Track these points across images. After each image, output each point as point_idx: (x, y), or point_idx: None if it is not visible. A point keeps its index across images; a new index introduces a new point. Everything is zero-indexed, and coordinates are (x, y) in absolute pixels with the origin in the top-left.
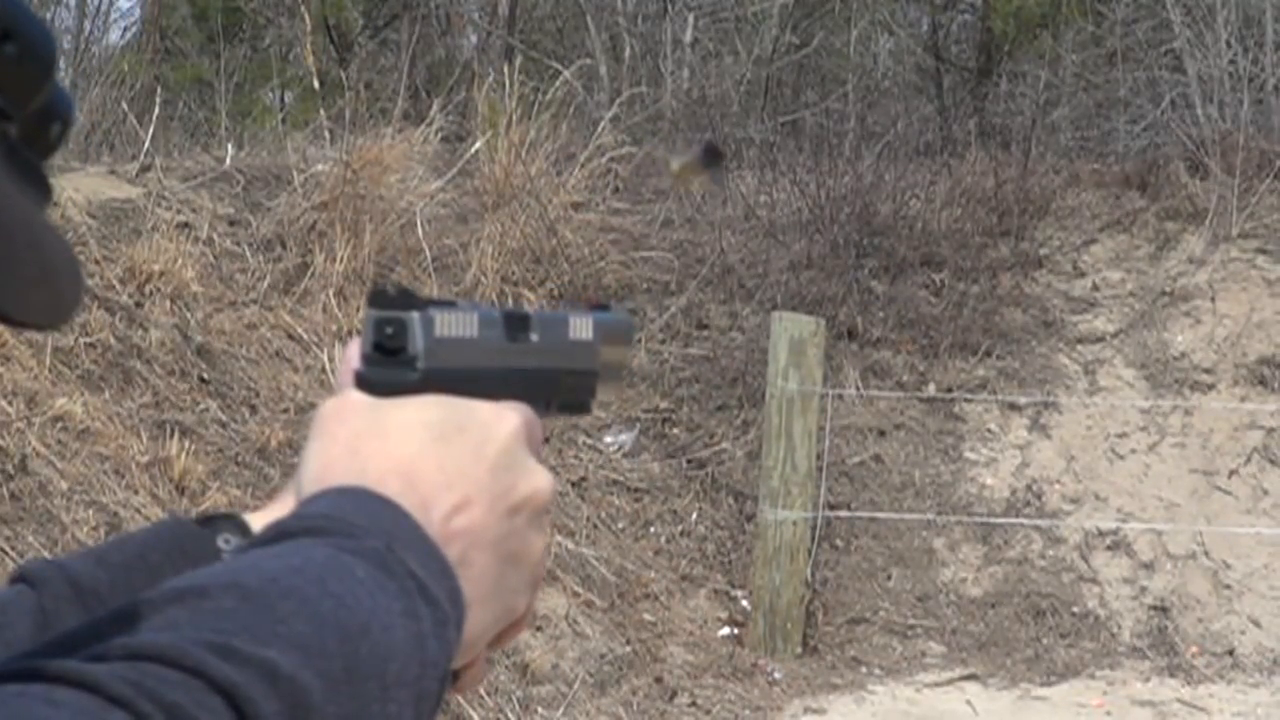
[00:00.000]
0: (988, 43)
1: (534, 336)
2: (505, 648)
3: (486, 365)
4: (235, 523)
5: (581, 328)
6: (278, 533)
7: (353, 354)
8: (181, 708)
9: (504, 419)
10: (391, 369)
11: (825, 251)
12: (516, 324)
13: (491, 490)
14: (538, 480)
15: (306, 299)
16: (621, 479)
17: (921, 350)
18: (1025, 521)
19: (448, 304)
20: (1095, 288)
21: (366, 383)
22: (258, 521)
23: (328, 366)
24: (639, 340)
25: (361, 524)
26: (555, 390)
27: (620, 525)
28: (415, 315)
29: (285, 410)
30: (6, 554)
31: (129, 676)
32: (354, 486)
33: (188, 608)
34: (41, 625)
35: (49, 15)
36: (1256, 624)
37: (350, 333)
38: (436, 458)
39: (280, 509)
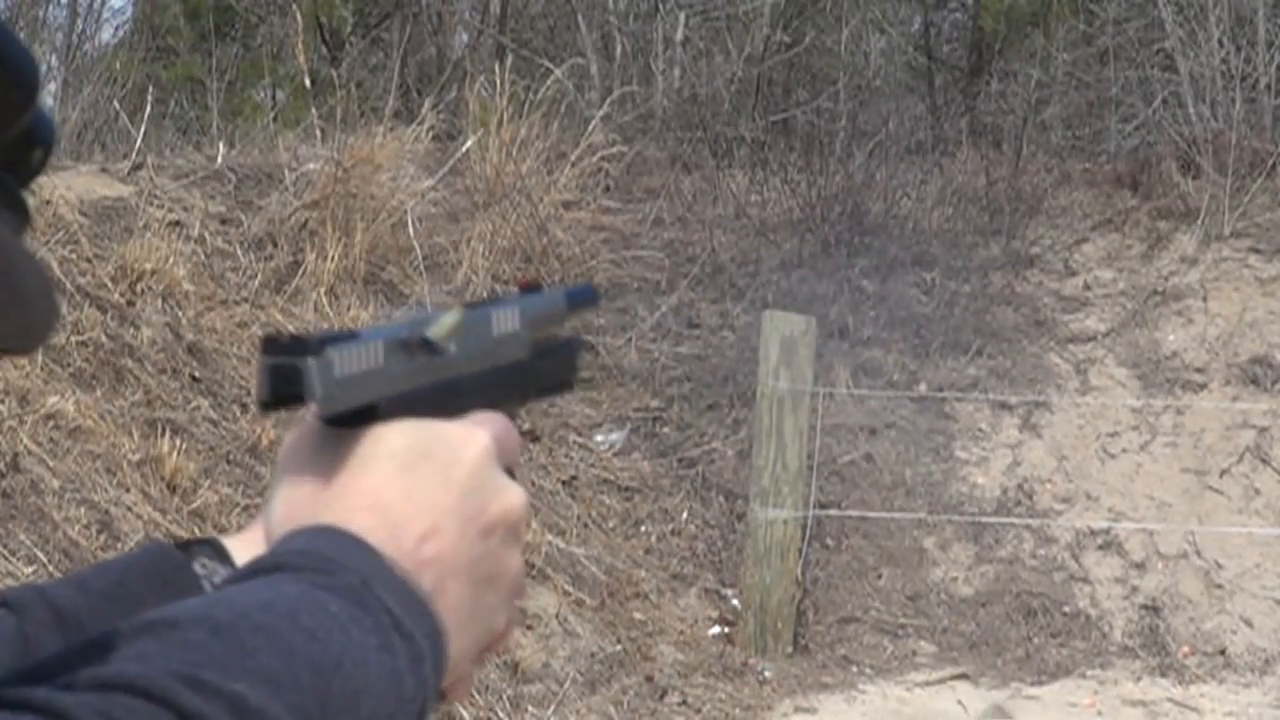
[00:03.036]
0: (979, 41)
1: (451, 347)
2: (489, 659)
3: (404, 389)
4: (212, 547)
5: (506, 320)
6: (253, 569)
7: None
8: None
9: (471, 440)
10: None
11: (816, 250)
12: (423, 343)
13: (461, 515)
14: (509, 499)
15: (298, 297)
16: (612, 478)
17: (912, 349)
18: (1016, 521)
19: (348, 337)
20: (1087, 287)
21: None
22: (236, 545)
23: None
24: (630, 339)
25: (337, 560)
26: (512, 388)
27: (611, 524)
28: (310, 361)
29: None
30: None
31: (97, 706)
32: (327, 526)
33: (159, 639)
34: (23, 651)
35: (41, 13)
36: (1248, 624)
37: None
38: (403, 487)
39: (255, 533)
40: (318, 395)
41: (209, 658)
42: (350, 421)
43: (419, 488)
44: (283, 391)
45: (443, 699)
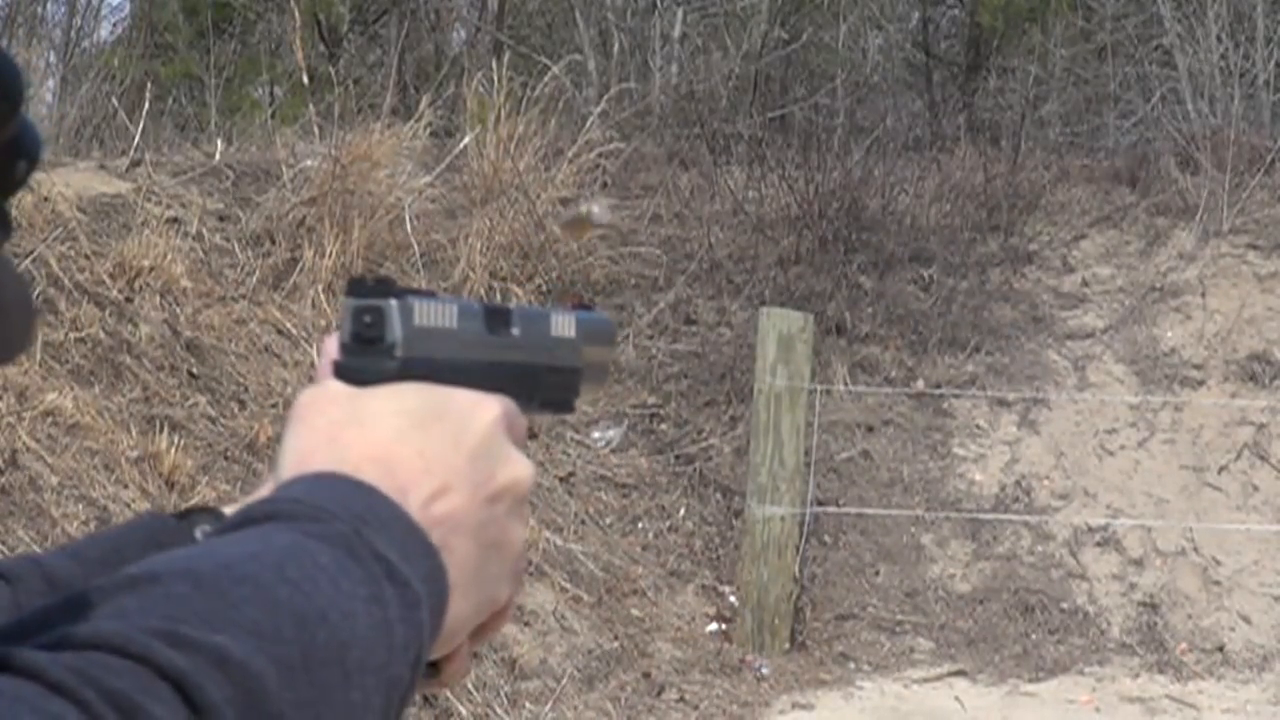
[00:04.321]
0: (977, 38)
1: (515, 331)
2: (488, 641)
3: (466, 357)
4: (214, 515)
5: (564, 325)
6: (243, 517)
7: (331, 346)
8: (126, 695)
9: (483, 407)
10: (370, 358)
11: (814, 247)
12: (497, 317)
13: (471, 478)
14: (518, 468)
15: (295, 294)
16: (609, 475)
17: (910, 346)
18: (1014, 517)
19: (427, 294)
20: (1085, 283)
21: (345, 372)
22: None
23: (316, 361)
24: (627, 336)
25: (330, 508)
26: (537, 386)
27: (608, 521)
28: (394, 303)
29: (274, 405)
30: None
31: (72, 664)
32: (329, 472)
33: (139, 594)
34: None
35: (39, 10)
36: (1246, 620)
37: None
38: (415, 445)
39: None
40: (398, 337)
41: (190, 611)
42: (367, 380)
43: (431, 446)
44: (363, 332)
45: (438, 676)
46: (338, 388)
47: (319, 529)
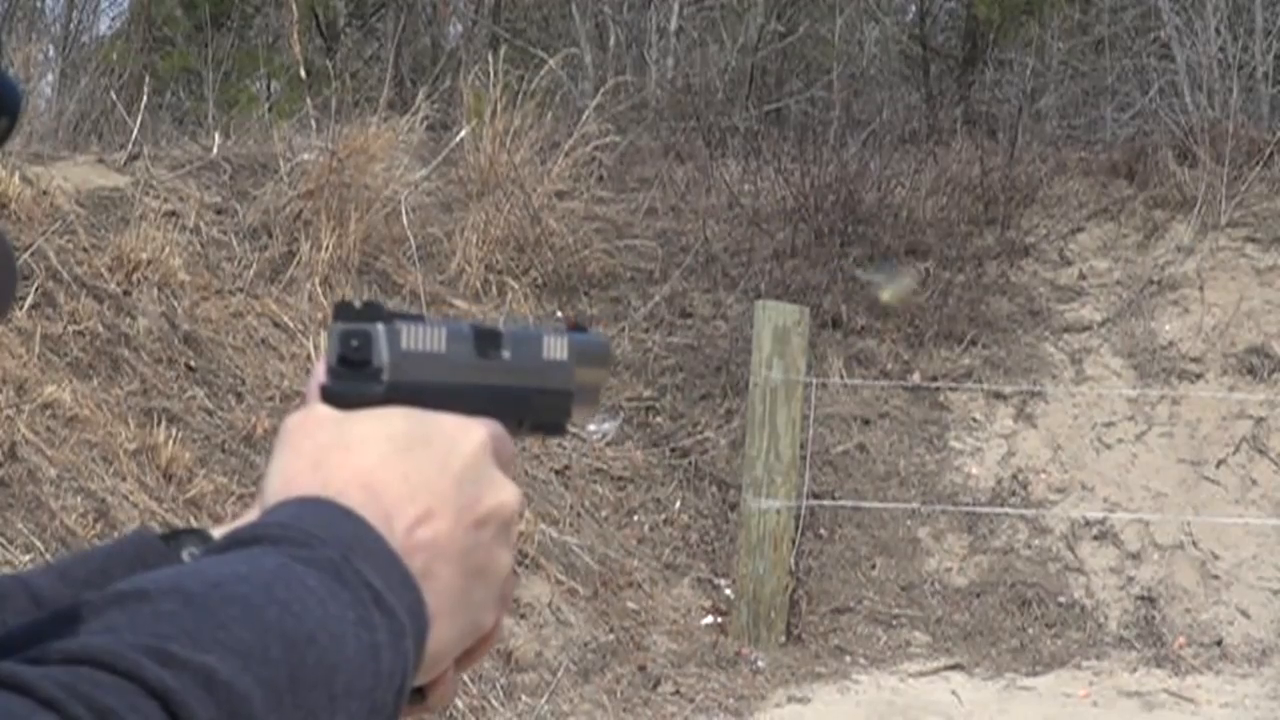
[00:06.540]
0: (974, 30)
1: (505, 354)
2: (473, 665)
3: (454, 381)
4: (201, 536)
5: (556, 348)
6: (231, 540)
7: (319, 369)
8: (114, 712)
9: (470, 431)
10: (356, 382)
11: (809, 240)
12: (487, 340)
13: (456, 503)
14: (504, 494)
15: (292, 287)
16: (605, 467)
17: (906, 339)
18: (1011, 511)
19: (415, 318)
20: (1082, 276)
21: (331, 396)
22: None
23: (313, 354)
24: (623, 329)
25: (317, 533)
26: (527, 409)
27: (604, 513)
28: (380, 328)
29: (271, 398)
30: None
31: (62, 679)
32: (315, 497)
33: (127, 611)
34: None
35: (38, 4)
36: (1244, 614)
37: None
38: (400, 469)
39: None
40: (385, 361)
41: (178, 629)
42: (354, 404)
43: (416, 471)
44: (350, 356)
45: (424, 701)
46: (324, 411)
47: (306, 553)
